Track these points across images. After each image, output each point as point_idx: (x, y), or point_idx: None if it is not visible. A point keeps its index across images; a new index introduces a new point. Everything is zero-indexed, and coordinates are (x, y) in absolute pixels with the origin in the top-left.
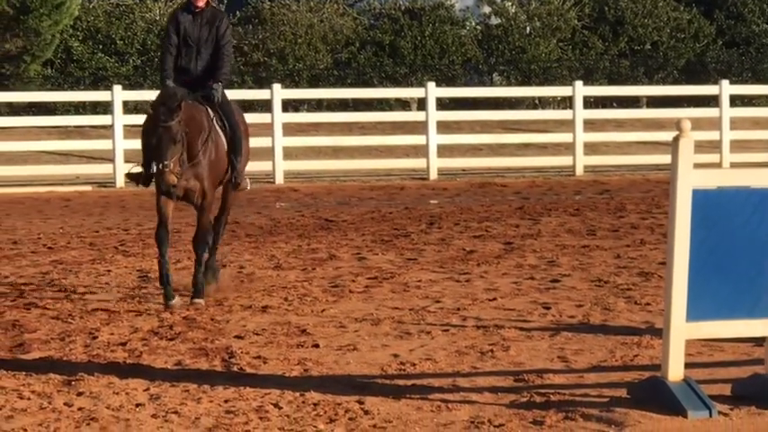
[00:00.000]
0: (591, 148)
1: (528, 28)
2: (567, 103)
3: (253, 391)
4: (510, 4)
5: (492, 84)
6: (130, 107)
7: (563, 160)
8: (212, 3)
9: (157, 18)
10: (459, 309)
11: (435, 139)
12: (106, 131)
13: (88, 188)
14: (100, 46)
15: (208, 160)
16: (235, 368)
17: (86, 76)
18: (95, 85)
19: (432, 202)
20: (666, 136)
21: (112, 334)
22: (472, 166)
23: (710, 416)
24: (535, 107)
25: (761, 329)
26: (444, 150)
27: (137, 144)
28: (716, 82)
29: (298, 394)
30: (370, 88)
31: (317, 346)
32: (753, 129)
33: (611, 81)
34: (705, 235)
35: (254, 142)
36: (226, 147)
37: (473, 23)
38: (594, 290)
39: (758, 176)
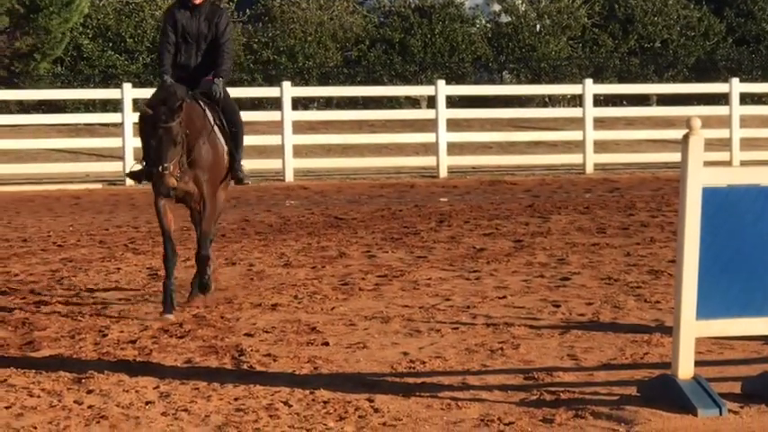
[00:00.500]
0: (601, 146)
1: (538, 26)
2: (576, 101)
3: (263, 389)
4: (520, 1)
5: (502, 82)
6: (140, 105)
7: (573, 158)
8: None
9: None
10: (468, 307)
11: (445, 137)
12: (116, 129)
13: (98, 186)
14: (110, 44)
15: (207, 162)
16: (245, 366)
17: (96, 74)
18: (105, 82)
19: (441, 200)
20: (676, 134)
21: (122, 332)
22: (482, 163)
23: (721, 414)
24: (545, 105)
25: None
26: (454, 148)
27: None
28: (726, 80)
29: (308, 392)
30: (379, 86)
31: (326, 344)
32: (763, 127)
33: (621, 79)
34: (715, 233)
35: (264, 140)
36: (225, 146)
37: (483, 21)
38: (604, 288)
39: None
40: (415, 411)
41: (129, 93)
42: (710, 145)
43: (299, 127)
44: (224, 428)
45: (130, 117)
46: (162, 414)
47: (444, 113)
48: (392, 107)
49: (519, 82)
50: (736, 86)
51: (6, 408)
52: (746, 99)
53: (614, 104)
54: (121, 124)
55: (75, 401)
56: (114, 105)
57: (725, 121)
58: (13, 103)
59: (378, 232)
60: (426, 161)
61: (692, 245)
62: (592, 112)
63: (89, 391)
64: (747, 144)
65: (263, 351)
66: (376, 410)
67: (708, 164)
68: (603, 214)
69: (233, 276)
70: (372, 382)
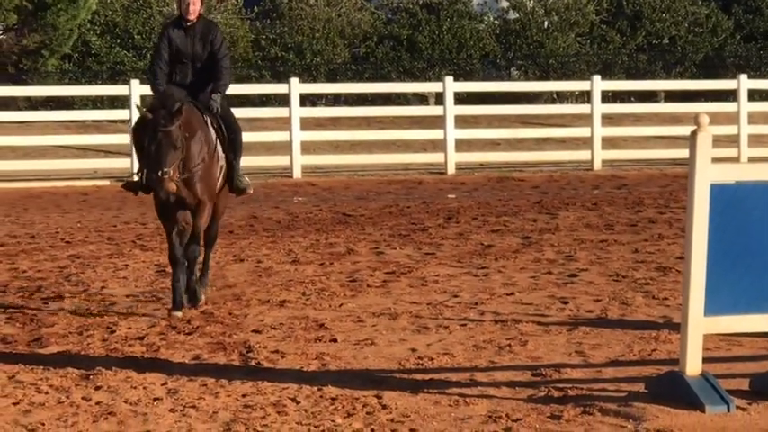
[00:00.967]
0: (609, 143)
1: (546, 22)
2: (585, 97)
3: (270, 386)
4: None
5: (510, 78)
6: (148, 102)
7: (581, 155)
8: (203, 14)
9: (175, 12)
10: (476, 303)
11: (453, 133)
12: (124, 126)
13: (106, 182)
14: (117, 40)
15: (204, 167)
16: (252, 362)
17: (104, 71)
18: (113, 79)
19: (449, 196)
20: (684, 131)
21: (130, 328)
22: (490, 160)
23: (728, 410)
24: (553, 101)
25: None
26: (462, 145)
27: None
28: (734, 76)
29: (315, 389)
30: (387, 83)
31: (334, 340)
32: None
33: (629, 75)
34: (723, 229)
35: (272, 137)
36: (222, 152)
37: (491, 18)
38: (612, 284)
39: None
40: (422, 408)
41: (137, 89)
42: (718, 142)
43: (307, 124)
44: (232, 425)
45: (138, 114)
46: (170, 410)
47: (452, 110)
48: (400, 104)
49: (527, 78)
50: (745, 83)
51: (14, 404)
52: (754, 96)
53: (622, 101)
54: (129, 121)
55: (83, 398)
56: (122, 102)
57: (733, 118)
58: (21, 99)
59: (386, 229)
60: (434, 158)
61: (700, 241)
62: (600, 108)
63: (97, 388)
64: (755, 141)
65: (271, 348)
66: (384, 407)
67: (716, 160)
68: (611, 211)
69: (241, 273)
70: (380, 378)
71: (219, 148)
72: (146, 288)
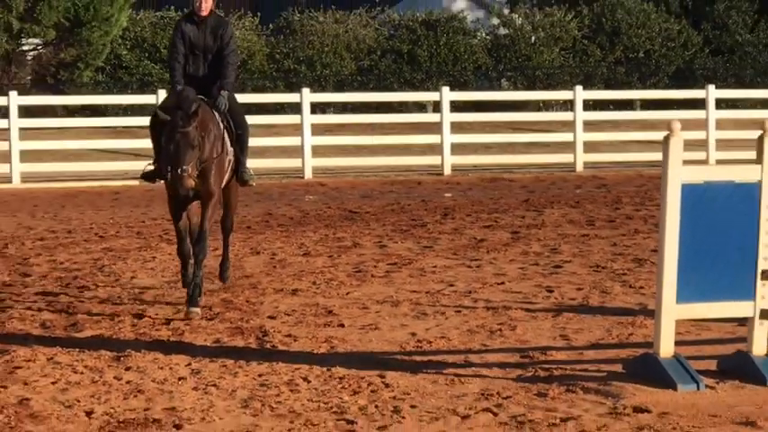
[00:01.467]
0: (590, 147)
1: (533, 38)
2: (568, 105)
3: (284, 366)
4: (516, 16)
5: (500, 88)
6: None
7: (565, 157)
8: (215, 11)
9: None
10: (470, 292)
11: (449, 138)
12: None
13: (135, 183)
14: (146, 54)
15: (217, 162)
16: (268, 345)
17: (134, 82)
18: (142, 89)
19: (446, 195)
20: (658, 136)
21: (157, 314)
22: (483, 162)
23: (698, 389)
24: (539, 109)
25: (743, 310)
26: (457, 148)
27: None
28: (703, 87)
29: (325, 369)
30: (389, 92)
31: (342, 325)
32: (736, 129)
33: (608, 86)
34: (693, 225)
35: (286, 141)
36: (230, 147)
37: (483, 34)
38: (593, 275)
39: (741, 172)
40: (421, 386)
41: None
42: (689, 145)
43: (317, 129)
44: (249, 402)
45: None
46: (193, 389)
47: (448, 117)
48: (401, 111)
49: (516, 88)
50: (712, 93)
51: (53, 383)
52: (721, 104)
53: (602, 109)
54: None
55: (114, 377)
56: (150, 109)
57: (702, 124)
58: (59, 107)
59: (388, 224)
60: (432, 160)
61: (673, 236)
62: (582, 115)
63: (127, 368)
64: (722, 145)
65: (285, 332)
66: (387, 386)
67: (687, 162)
68: (592, 208)
69: (257, 264)
70: (383, 360)
71: (228, 143)
72: (171, 278)
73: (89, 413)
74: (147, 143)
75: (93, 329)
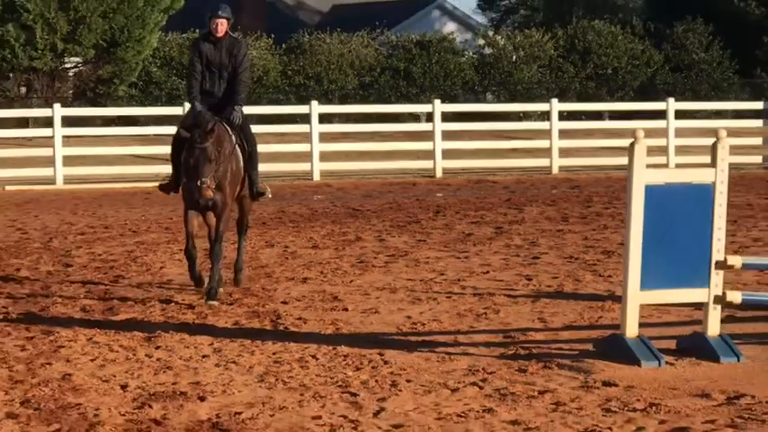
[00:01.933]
0: (564, 152)
1: (514, 56)
2: (545, 116)
3: (295, 346)
4: (500, 37)
5: (485, 101)
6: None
7: (542, 162)
8: (230, 33)
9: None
10: (459, 280)
11: (440, 145)
12: None
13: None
14: (174, 71)
15: (231, 175)
16: (281, 327)
17: (163, 95)
18: (170, 102)
19: (438, 195)
20: (625, 143)
21: (183, 300)
22: (470, 166)
23: (659, 365)
24: (520, 119)
25: (699, 296)
26: (448, 154)
27: None
28: (663, 99)
29: (331, 348)
30: (388, 105)
31: (346, 309)
32: (693, 137)
33: (580, 99)
34: (655, 221)
35: (297, 147)
36: (242, 161)
37: (470, 53)
38: (567, 265)
39: (697, 174)
40: (416, 363)
41: None
42: (651, 151)
43: (324, 137)
44: (264, 377)
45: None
46: (215, 365)
47: (440, 126)
48: (398, 121)
49: (499, 101)
50: (672, 105)
51: (92, 360)
52: (680, 115)
53: (575, 119)
54: None
55: (146, 355)
56: (178, 120)
57: (663, 133)
58: (97, 118)
59: (387, 221)
60: (425, 164)
61: (637, 231)
62: (557, 125)
63: (157, 347)
64: (681, 151)
65: (296, 315)
66: (386, 362)
67: (649, 166)
68: (566, 206)
69: (271, 256)
70: (383, 339)
71: (241, 157)
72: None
73: (124, 387)
74: None
75: (127, 313)
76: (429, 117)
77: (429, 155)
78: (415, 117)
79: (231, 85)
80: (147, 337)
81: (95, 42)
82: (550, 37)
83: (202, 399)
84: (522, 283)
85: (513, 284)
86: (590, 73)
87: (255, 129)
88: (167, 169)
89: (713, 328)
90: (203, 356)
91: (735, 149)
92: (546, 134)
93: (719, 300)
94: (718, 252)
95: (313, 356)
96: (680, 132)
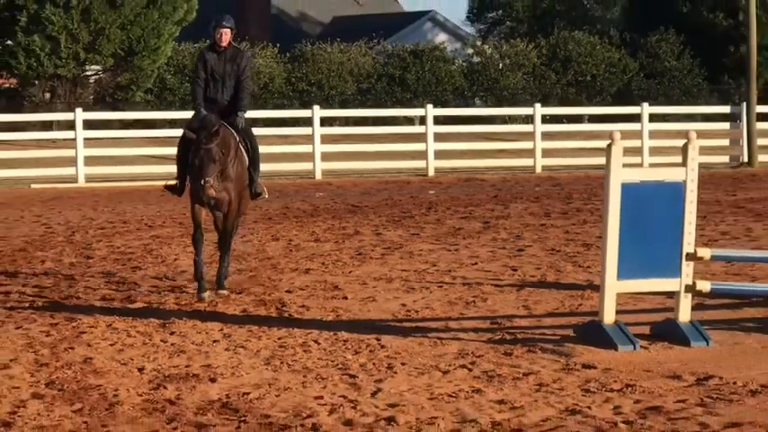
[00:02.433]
0: (547, 153)
1: (500, 64)
2: (529, 119)
3: (299, 331)
4: (487, 47)
5: (474, 105)
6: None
7: (526, 162)
8: (233, 42)
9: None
10: (450, 270)
11: (432, 146)
12: None
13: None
14: (186, 78)
15: (235, 175)
16: (286, 314)
17: (176, 100)
18: (183, 106)
19: (430, 192)
20: (602, 144)
21: (195, 289)
22: (460, 166)
23: (634, 349)
24: (506, 122)
25: (671, 285)
26: (439, 154)
27: None
28: (638, 104)
29: (332, 333)
30: (384, 109)
31: (345, 298)
32: (666, 138)
33: (562, 103)
34: (630, 216)
35: (300, 149)
36: (247, 163)
37: (460, 61)
38: (549, 257)
39: (669, 173)
40: (410, 347)
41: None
42: (627, 152)
43: (326, 139)
44: (270, 360)
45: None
46: (225, 349)
47: (432, 129)
48: (393, 124)
49: (486, 105)
50: (646, 109)
51: (111, 345)
52: (654, 118)
53: (557, 122)
54: None
55: (161, 340)
56: None
57: (638, 135)
58: (116, 121)
59: (383, 216)
60: (419, 164)
61: (614, 225)
62: (540, 127)
63: (171, 333)
64: (654, 151)
65: (299, 303)
66: (382, 346)
67: (625, 166)
68: (549, 203)
69: (277, 248)
70: (379, 326)
71: (246, 159)
72: (206, 260)
73: (140, 369)
74: None
75: (144, 301)
76: (422, 120)
77: (422, 155)
78: (409, 120)
79: (235, 92)
80: (162, 323)
81: (114, 51)
82: (534, 46)
83: (213, 380)
84: (508, 273)
85: (500, 275)
86: (570, 79)
87: (262, 131)
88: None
89: (684, 314)
90: (214, 341)
91: (704, 150)
92: (530, 136)
93: (690, 289)
94: (688, 245)
95: (315, 341)
96: (653, 134)
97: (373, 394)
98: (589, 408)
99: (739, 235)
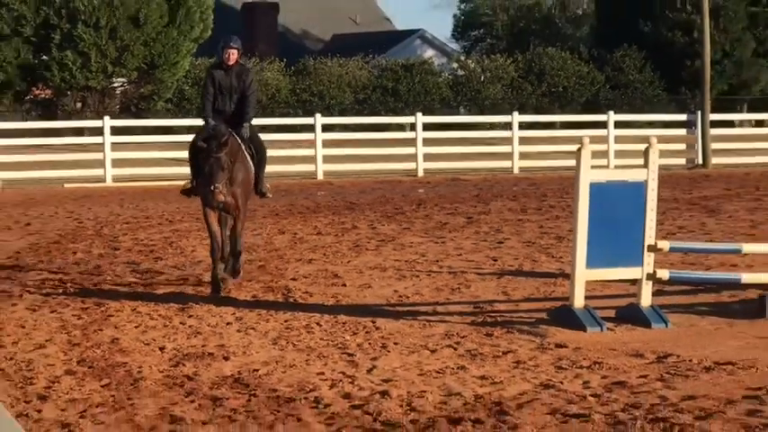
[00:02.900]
0: (524, 156)
1: (482, 77)
2: (507, 126)
3: (303, 315)
4: (470, 61)
5: (459, 113)
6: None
7: (506, 164)
8: (240, 60)
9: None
10: (437, 260)
11: (422, 150)
12: None
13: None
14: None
15: (242, 181)
16: (291, 300)
17: (193, 109)
18: (200, 115)
19: (419, 191)
20: (573, 148)
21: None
22: (446, 167)
23: (602, 330)
24: (487, 129)
25: (634, 274)
26: (428, 157)
27: None
28: (605, 112)
29: (332, 316)
30: (378, 117)
31: (344, 285)
32: (629, 143)
33: (537, 111)
34: (598, 212)
35: (304, 152)
36: (252, 168)
37: (446, 74)
38: (526, 248)
39: (632, 174)
40: (402, 328)
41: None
42: (595, 155)
43: (327, 143)
44: (278, 340)
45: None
46: (237, 331)
47: (421, 135)
48: (387, 130)
49: (470, 113)
50: (612, 117)
51: (136, 327)
52: (618, 125)
53: (532, 128)
54: None
55: (180, 323)
56: None
57: (605, 140)
58: (139, 128)
59: (378, 212)
60: (409, 166)
61: (583, 220)
62: (517, 133)
63: (189, 316)
64: (619, 155)
65: (303, 290)
66: (377, 328)
67: (593, 167)
68: (525, 200)
69: (283, 241)
70: (375, 309)
71: (251, 165)
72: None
73: (162, 348)
74: None
75: (165, 288)
76: (412, 127)
77: (412, 158)
78: (400, 127)
79: (241, 105)
80: (181, 307)
81: (138, 66)
82: (512, 61)
83: (226, 358)
84: (489, 263)
85: (482, 264)
86: (544, 90)
87: (270, 136)
88: None
89: (646, 299)
90: (227, 324)
91: (663, 153)
92: (508, 141)
93: (651, 276)
94: (649, 237)
95: (317, 323)
96: (618, 139)
97: (369, 371)
98: (561, 382)
99: (694, 229)
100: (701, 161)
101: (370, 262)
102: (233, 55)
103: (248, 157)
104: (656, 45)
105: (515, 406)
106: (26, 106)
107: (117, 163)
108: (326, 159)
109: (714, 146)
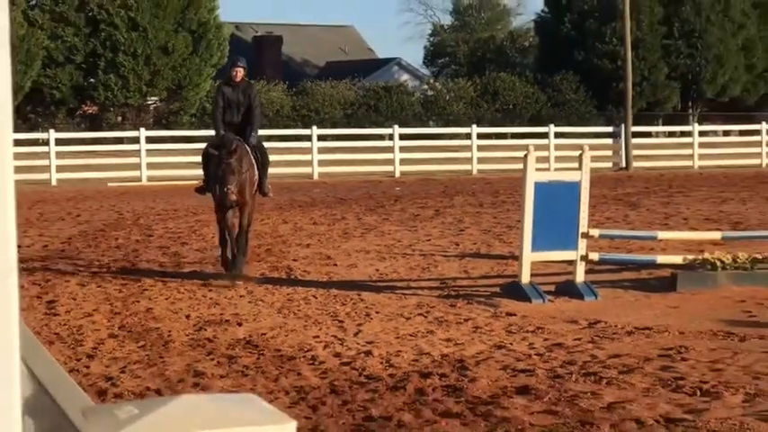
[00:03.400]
0: (481, 160)
1: (447, 96)
2: (468, 136)
3: (302, 289)
4: (438, 83)
5: (428, 126)
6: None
7: (466, 167)
8: (245, 78)
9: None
10: (411, 245)
11: (398, 155)
12: None
13: None
14: None
15: (249, 181)
16: (292, 276)
17: (212, 122)
18: (213, 126)
19: (396, 189)
20: (521, 154)
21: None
22: (418, 170)
23: (544, 302)
24: (451, 139)
25: (570, 256)
26: (403, 161)
27: None
28: (547, 125)
29: (326, 291)
30: (363, 128)
31: (335, 265)
32: (566, 150)
33: (491, 124)
34: (541, 206)
35: (302, 157)
36: (257, 171)
37: (418, 94)
38: (483, 235)
39: (569, 175)
40: (382, 300)
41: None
42: (539, 160)
43: (321, 150)
44: (282, 310)
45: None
46: (248, 302)
47: (398, 143)
48: (370, 139)
49: (437, 126)
50: (552, 129)
51: (166, 299)
52: (558, 135)
53: (488, 139)
54: None
55: (202, 295)
56: None
57: (546, 147)
58: (169, 137)
59: (363, 206)
60: (388, 168)
61: (529, 212)
62: (476, 142)
63: (210, 290)
64: (558, 160)
65: (302, 269)
66: (362, 300)
67: (538, 170)
68: (482, 197)
69: (286, 229)
70: (360, 285)
71: (256, 168)
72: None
73: (187, 316)
74: None
75: (190, 267)
76: (390, 137)
77: (390, 162)
78: (381, 137)
79: (248, 116)
80: (203, 283)
81: (167, 87)
82: (471, 84)
83: (240, 324)
84: (453, 247)
85: (447, 248)
86: (498, 107)
87: (274, 144)
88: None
89: (580, 277)
90: (240, 296)
91: (594, 159)
92: (468, 149)
93: (584, 258)
94: (583, 227)
95: (314, 296)
96: (557, 147)
97: (355, 334)
98: (511, 344)
99: (619, 220)
100: (624, 165)
101: (356, 246)
102: (239, 73)
103: (254, 162)
104: (589, 71)
105: (474, 363)
106: (77, 120)
107: (151, 166)
108: (321, 163)
109: (635, 152)
